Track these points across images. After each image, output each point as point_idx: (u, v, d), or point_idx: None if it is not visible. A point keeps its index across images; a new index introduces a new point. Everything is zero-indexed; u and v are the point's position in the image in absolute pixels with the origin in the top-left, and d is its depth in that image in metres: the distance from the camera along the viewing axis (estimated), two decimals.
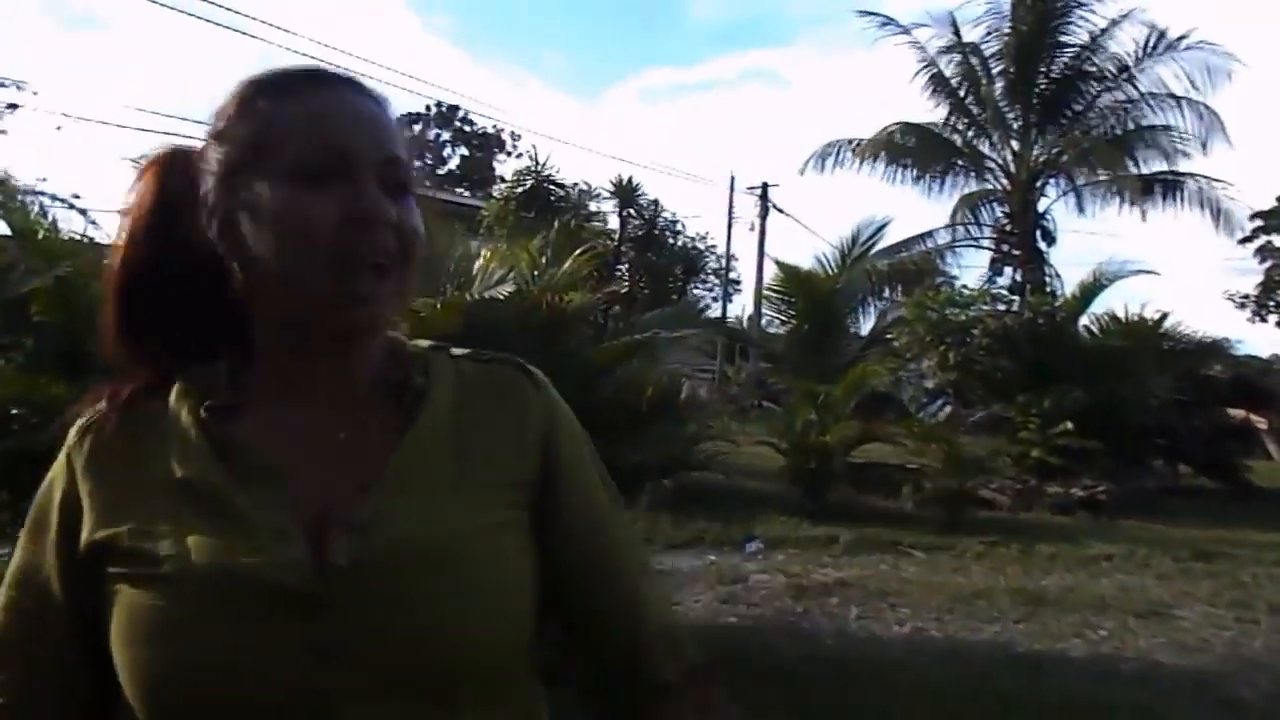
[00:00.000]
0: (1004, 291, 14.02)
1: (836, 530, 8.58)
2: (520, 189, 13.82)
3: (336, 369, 0.87)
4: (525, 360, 0.97)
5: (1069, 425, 10.22)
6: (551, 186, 14.16)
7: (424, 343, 0.97)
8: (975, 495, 9.90)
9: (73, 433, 0.88)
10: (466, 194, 33.88)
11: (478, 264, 4.81)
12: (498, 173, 45.43)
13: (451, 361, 0.93)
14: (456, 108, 43.49)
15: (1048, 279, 16.58)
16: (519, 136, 44.42)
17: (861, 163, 17.85)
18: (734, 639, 5.42)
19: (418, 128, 45.54)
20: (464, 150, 46.18)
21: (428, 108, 44.78)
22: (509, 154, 45.37)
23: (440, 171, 44.99)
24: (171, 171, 0.90)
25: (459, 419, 0.88)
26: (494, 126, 44.79)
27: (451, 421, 0.88)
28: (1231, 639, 5.52)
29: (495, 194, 15.85)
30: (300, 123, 0.83)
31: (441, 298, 3.90)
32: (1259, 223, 22.53)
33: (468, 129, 45.42)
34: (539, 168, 13.98)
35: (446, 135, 46.08)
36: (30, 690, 0.85)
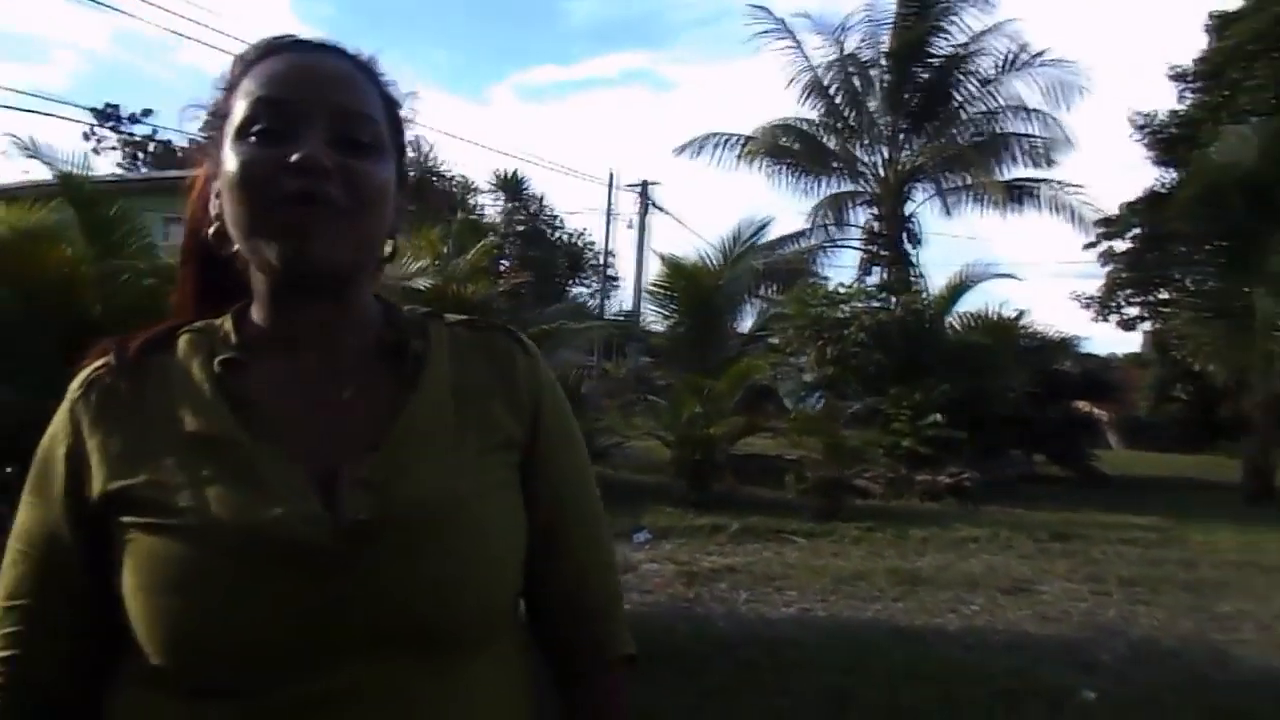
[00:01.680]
0: (877, 290, 14.61)
1: (722, 519, 8.80)
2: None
3: (328, 323, 0.90)
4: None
5: (939, 417, 10.79)
6: (434, 179, 14.02)
7: (419, 309, 1.01)
8: (852, 484, 10.33)
9: (75, 386, 0.89)
10: None
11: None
12: None
13: (446, 327, 0.98)
14: None
15: (914, 279, 17.43)
16: None
17: (740, 160, 18.35)
18: (630, 624, 5.52)
19: None
20: None
21: None
22: None
23: None
24: None
25: (456, 382, 0.93)
26: None
27: (450, 384, 0.92)
28: (1087, 609, 5.97)
29: None
30: (253, 85, 0.87)
31: None
32: (1103, 229, 24.00)
33: None
34: (423, 160, 13.80)
35: None
36: (40, 639, 0.86)
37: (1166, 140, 22.77)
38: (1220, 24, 22.58)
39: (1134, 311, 25.87)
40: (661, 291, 12.84)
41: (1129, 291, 25.41)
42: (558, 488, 0.98)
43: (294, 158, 0.82)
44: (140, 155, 39.26)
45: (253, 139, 0.85)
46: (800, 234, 19.58)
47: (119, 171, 29.51)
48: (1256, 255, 10.76)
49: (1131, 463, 16.67)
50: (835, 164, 19.12)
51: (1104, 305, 26.05)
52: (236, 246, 0.89)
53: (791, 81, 18.29)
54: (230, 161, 0.85)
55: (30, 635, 0.86)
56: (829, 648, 4.96)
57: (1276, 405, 11.59)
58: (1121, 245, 25.77)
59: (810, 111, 18.61)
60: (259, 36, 0.93)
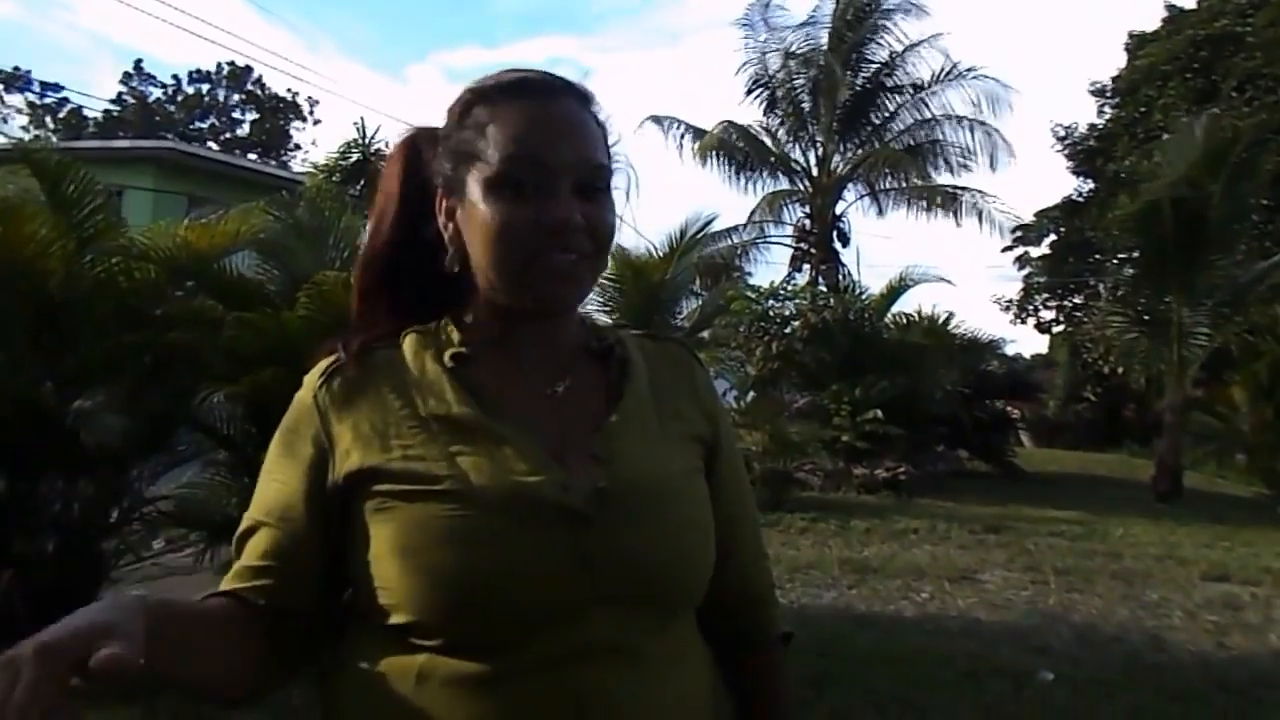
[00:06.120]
0: (823, 289, 14.98)
1: None
2: (346, 162, 13.38)
3: (544, 333, 1.02)
4: None
5: (878, 413, 11.15)
6: (378, 162, 13.80)
7: (607, 320, 1.16)
8: (794, 476, 10.62)
9: (314, 379, 0.98)
10: (256, 160, 32.06)
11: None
12: (294, 141, 43.46)
13: (634, 338, 1.12)
14: (249, 68, 41.06)
15: (841, 278, 17.92)
16: (317, 103, 42.61)
17: (691, 153, 18.69)
18: None
19: (205, 87, 42.65)
20: (254, 114, 43.51)
21: (219, 66, 42.02)
22: (305, 120, 43.36)
23: (227, 136, 42.30)
24: (416, 158, 1.05)
25: (653, 380, 1.06)
26: (289, 92, 42.56)
27: (648, 384, 1.05)
28: (1029, 598, 6.32)
29: (314, 166, 15.27)
30: (503, 134, 0.94)
31: (348, 271, 3.88)
32: (1018, 234, 24.98)
33: (261, 92, 42.89)
34: (366, 141, 13.58)
35: (237, 97, 43.32)
36: (281, 591, 0.95)
37: (1085, 152, 23.83)
38: (1137, 44, 23.72)
39: (1049, 315, 27.04)
40: (608, 284, 12.89)
41: (1045, 296, 26.53)
42: (733, 486, 1.10)
43: (552, 218, 0.91)
44: (50, 121, 37.70)
45: (508, 192, 0.93)
46: (734, 229, 19.93)
47: (26, 138, 28.18)
48: (1179, 271, 11.40)
49: (1045, 460, 17.43)
50: (773, 161, 19.51)
51: (1022, 308, 27.14)
52: (458, 268, 0.99)
53: (742, 67, 18.75)
54: (487, 214, 0.93)
55: (275, 585, 0.95)
56: (800, 633, 5.16)
57: (1187, 408, 12.28)
58: (1036, 251, 26.88)
59: (754, 109, 19.07)
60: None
